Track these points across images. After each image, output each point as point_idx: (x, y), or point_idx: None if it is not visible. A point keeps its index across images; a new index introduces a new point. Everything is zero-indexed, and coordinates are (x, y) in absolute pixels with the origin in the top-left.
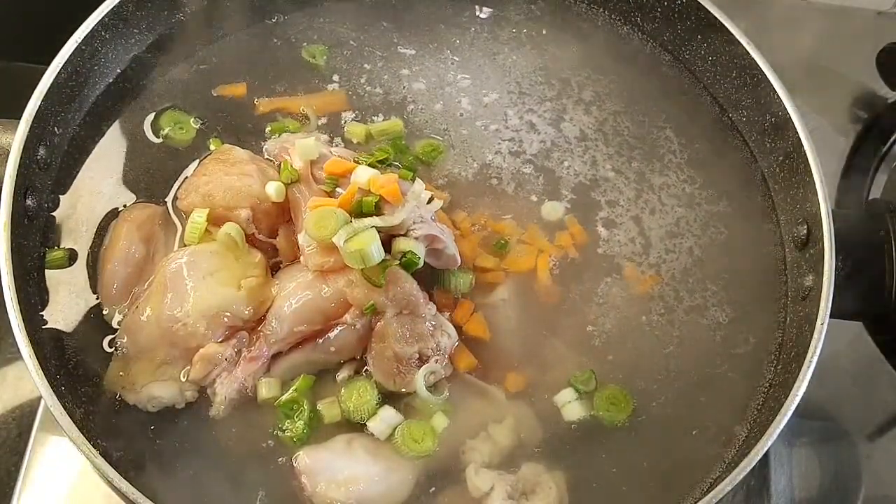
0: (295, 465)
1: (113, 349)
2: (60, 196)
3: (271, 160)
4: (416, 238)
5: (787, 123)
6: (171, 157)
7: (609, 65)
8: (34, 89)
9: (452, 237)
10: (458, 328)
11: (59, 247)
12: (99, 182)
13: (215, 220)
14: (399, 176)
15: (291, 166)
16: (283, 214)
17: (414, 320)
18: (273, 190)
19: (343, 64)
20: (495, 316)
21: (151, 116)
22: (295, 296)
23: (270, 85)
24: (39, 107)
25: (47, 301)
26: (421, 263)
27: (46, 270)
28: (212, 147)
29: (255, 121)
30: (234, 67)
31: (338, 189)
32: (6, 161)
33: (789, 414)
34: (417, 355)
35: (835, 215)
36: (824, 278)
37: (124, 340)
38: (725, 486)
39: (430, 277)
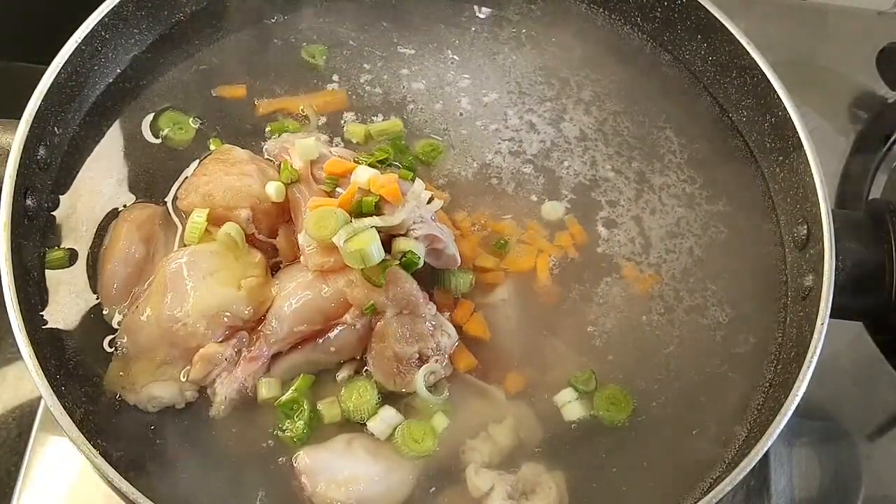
0: (295, 465)
1: (113, 349)
2: (60, 196)
3: (271, 160)
4: (416, 238)
5: (787, 123)
6: (171, 157)
7: (609, 65)
8: (34, 89)
9: (452, 237)
10: (458, 328)
11: (59, 247)
12: (99, 182)
13: (215, 220)
14: (399, 176)
15: (291, 166)
16: (283, 214)
17: (414, 320)
18: (273, 190)
19: (343, 64)
20: (495, 316)
21: (150, 117)
22: (295, 296)
23: (270, 85)
24: (39, 107)
25: (47, 301)
26: (421, 263)
27: (46, 270)
28: (212, 147)
29: (255, 121)
30: (234, 68)
31: (338, 189)
32: (6, 161)
33: (789, 414)
34: (417, 355)
35: (835, 215)
36: (824, 278)
37: (124, 340)
38: (725, 486)
39: (430, 277)
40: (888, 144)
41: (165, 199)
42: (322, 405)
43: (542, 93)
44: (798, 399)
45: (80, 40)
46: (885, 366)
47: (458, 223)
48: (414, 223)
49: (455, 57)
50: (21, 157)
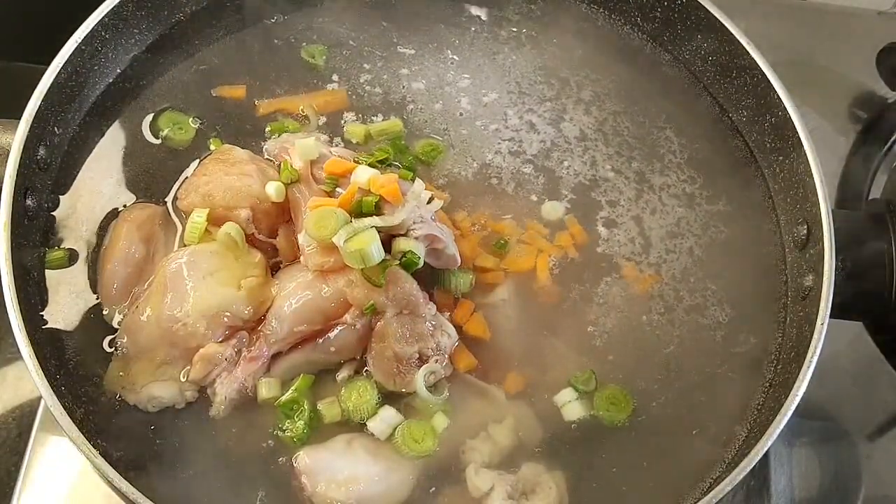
0: (295, 465)
1: (113, 349)
2: (60, 196)
3: (271, 160)
4: (416, 238)
5: (787, 123)
6: (171, 157)
7: (609, 65)
8: (34, 89)
9: (452, 237)
10: (458, 328)
11: (59, 247)
12: (99, 182)
13: (215, 220)
14: (399, 176)
15: (291, 166)
16: (283, 214)
17: (414, 320)
18: (273, 190)
19: (342, 64)
20: (495, 316)
21: (150, 117)
22: (295, 296)
23: (270, 85)
24: (39, 107)
25: (47, 301)
26: (421, 263)
27: (46, 270)
28: (212, 147)
29: (255, 121)
30: (234, 68)
31: (338, 189)
32: (6, 161)
33: (789, 414)
34: (417, 355)
35: (835, 215)
36: (824, 278)
37: (124, 340)
38: (725, 486)
39: (430, 277)
40: (888, 144)
41: (165, 199)
42: (322, 405)
43: (542, 93)
44: (798, 399)
45: (80, 40)
46: (885, 366)
47: (458, 223)
48: (414, 223)
49: (455, 57)
50: (21, 157)
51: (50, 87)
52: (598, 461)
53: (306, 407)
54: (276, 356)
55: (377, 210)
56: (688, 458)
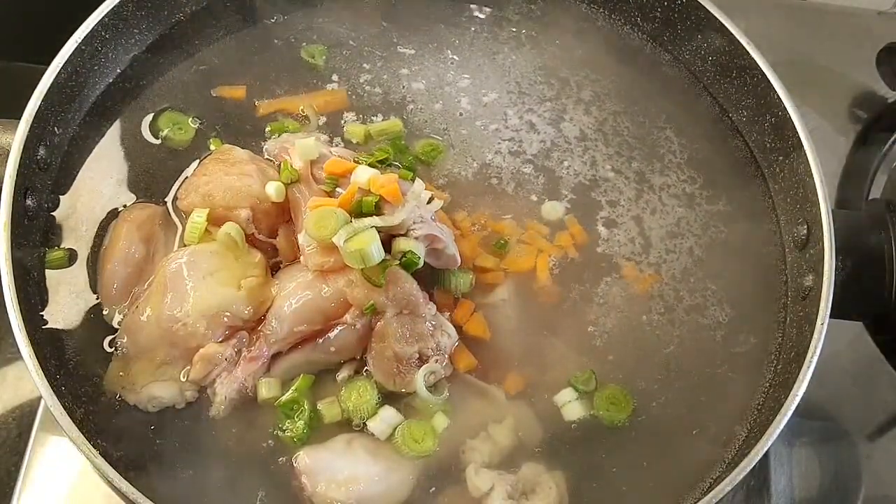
0: (295, 465)
1: (113, 349)
2: (60, 196)
3: (271, 160)
4: (416, 238)
5: (787, 123)
6: (170, 158)
7: (609, 65)
8: (34, 89)
9: (452, 237)
10: (458, 328)
11: (59, 247)
12: (99, 182)
13: (215, 220)
14: (399, 176)
15: (291, 166)
16: (283, 214)
17: (414, 320)
18: (273, 190)
19: (342, 64)
20: (495, 316)
21: (150, 117)
22: (295, 296)
23: (270, 85)
24: (39, 107)
25: (47, 301)
26: (421, 263)
27: (46, 270)
28: (212, 147)
29: (255, 121)
30: (234, 68)
31: (338, 189)
32: (6, 161)
33: (789, 414)
34: (417, 355)
35: (835, 215)
36: (824, 278)
37: (124, 340)
38: (725, 486)
39: (430, 277)
40: (888, 144)
41: (165, 199)
42: (322, 405)
43: (542, 93)
44: (798, 399)
45: (80, 40)
46: (885, 366)
47: (458, 223)
48: (414, 223)
49: (455, 57)
50: (21, 157)
51: (50, 87)
52: (598, 461)
53: (306, 407)
54: (276, 356)
55: (377, 210)
56: (688, 458)
